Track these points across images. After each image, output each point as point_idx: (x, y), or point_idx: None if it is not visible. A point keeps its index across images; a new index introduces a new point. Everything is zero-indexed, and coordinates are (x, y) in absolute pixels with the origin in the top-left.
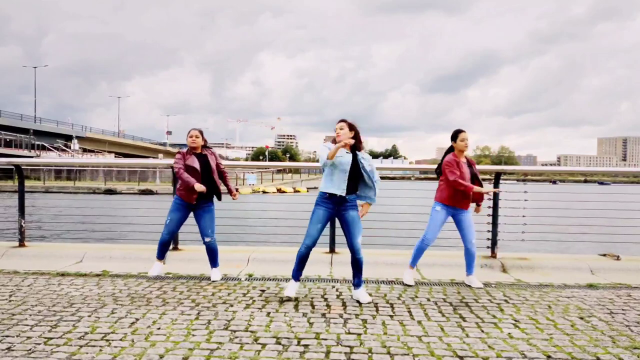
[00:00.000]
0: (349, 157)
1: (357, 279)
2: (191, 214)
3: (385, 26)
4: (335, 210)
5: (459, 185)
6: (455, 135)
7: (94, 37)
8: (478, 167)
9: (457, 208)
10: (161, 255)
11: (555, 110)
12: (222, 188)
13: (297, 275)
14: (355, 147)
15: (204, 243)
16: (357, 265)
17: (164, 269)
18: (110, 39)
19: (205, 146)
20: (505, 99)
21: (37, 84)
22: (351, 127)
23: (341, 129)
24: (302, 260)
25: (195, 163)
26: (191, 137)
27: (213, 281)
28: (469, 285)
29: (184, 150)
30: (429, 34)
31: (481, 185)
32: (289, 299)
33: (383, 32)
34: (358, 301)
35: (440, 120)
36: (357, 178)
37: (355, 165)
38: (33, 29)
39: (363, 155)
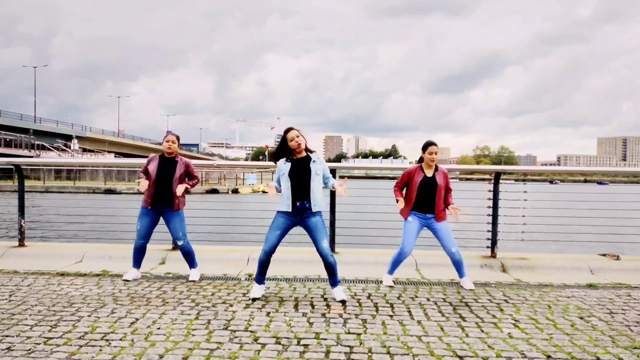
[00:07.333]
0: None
1: (332, 280)
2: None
3: (391, 28)
4: (298, 219)
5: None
6: (424, 147)
7: (102, 39)
8: (478, 167)
9: (426, 216)
10: (137, 264)
11: (556, 111)
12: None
13: (259, 279)
14: (307, 150)
15: (179, 247)
16: (329, 268)
17: (139, 276)
18: (117, 41)
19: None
20: (508, 99)
21: (45, 85)
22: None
23: (297, 136)
24: (262, 266)
25: (153, 168)
26: (167, 142)
27: (192, 281)
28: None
29: (154, 155)
30: (433, 35)
31: (442, 197)
32: (256, 299)
33: (388, 33)
34: (340, 300)
35: (442, 120)
36: (310, 183)
37: (307, 172)
38: (42, 30)
39: (314, 159)
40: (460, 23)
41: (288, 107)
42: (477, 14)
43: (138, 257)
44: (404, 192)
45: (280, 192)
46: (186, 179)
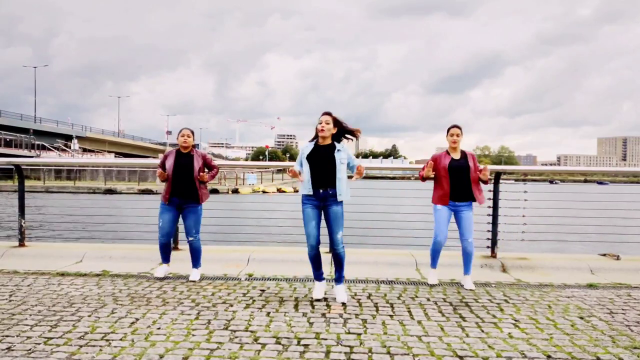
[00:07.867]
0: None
1: (338, 274)
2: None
3: (391, 28)
4: (322, 205)
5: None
6: (447, 130)
7: (102, 39)
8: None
9: (455, 203)
10: (166, 259)
11: (556, 111)
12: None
13: (317, 275)
14: (337, 139)
15: (188, 242)
16: (337, 259)
17: (169, 270)
18: (117, 41)
19: (193, 147)
20: (508, 99)
21: (45, 85)
22: (336, 122)
23: (327, 123)
24: (314, 261)
25: (170, 164)
26: (183, 136)
27: (192, 281)
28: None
29: (170, 150)
30: (434, 35)
31: (480, 181)
32: (318, 300)
33: (388, 33)
34: (341, 302)
35: (442, 120)
36: (334, 171)
37: (331, 160)
38: (42, 30)
39: (339, 148)
40: (461, 23)
41: (288, 107)
42: (478, 14)
43: (165, 252)
44: (433, 183)
45: (300, 174)
46: (206, 170)
